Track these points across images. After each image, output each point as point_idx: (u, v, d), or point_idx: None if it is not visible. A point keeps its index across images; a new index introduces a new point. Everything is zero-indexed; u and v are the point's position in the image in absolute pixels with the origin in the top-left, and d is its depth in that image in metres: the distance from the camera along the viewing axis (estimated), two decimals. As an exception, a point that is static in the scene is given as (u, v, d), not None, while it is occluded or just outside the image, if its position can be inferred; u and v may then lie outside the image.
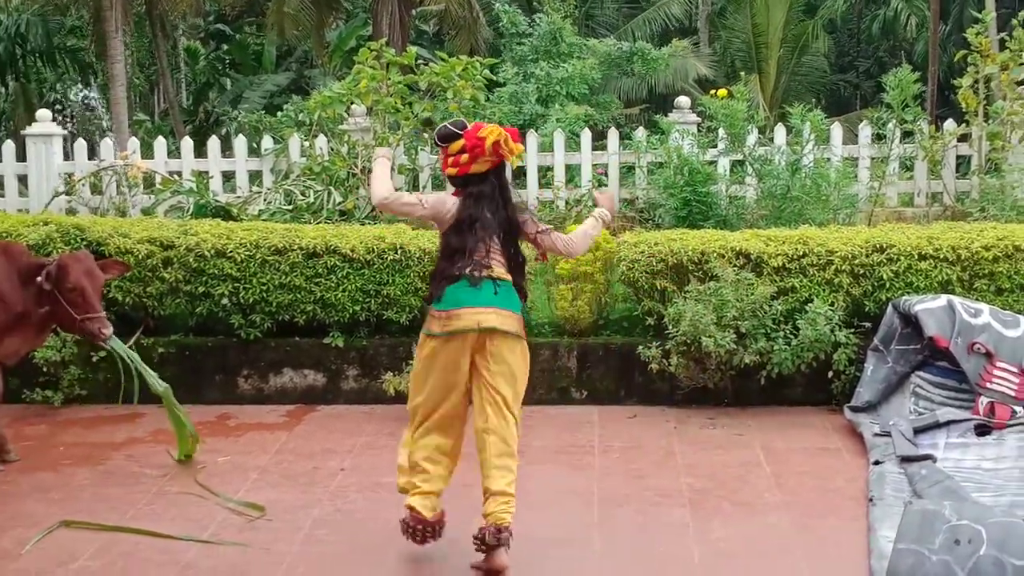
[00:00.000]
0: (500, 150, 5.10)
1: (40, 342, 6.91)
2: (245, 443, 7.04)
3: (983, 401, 6.60)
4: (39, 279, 6.37)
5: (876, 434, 6.66)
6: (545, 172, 10.93)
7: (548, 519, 5.69)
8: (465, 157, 5.14)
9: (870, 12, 30.97)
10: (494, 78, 13.06)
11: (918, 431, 6.51)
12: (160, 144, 11.28)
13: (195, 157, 11.08)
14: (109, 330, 6.48)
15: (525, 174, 10.80)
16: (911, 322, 7.03)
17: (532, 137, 10.93)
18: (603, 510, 5.79)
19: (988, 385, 6.65)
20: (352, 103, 10.49)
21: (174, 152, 11.39)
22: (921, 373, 7.04)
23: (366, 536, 5.47)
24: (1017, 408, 6.56)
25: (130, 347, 6.91)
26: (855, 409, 7.12)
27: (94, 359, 7.77)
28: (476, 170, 5.15)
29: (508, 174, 5.42)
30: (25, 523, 5.64)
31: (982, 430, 6.47)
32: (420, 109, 10.05)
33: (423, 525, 5.10)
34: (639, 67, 17.97)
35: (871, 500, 5.71)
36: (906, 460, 6.14)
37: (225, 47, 32.99)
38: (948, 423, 6.54)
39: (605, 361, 7.82)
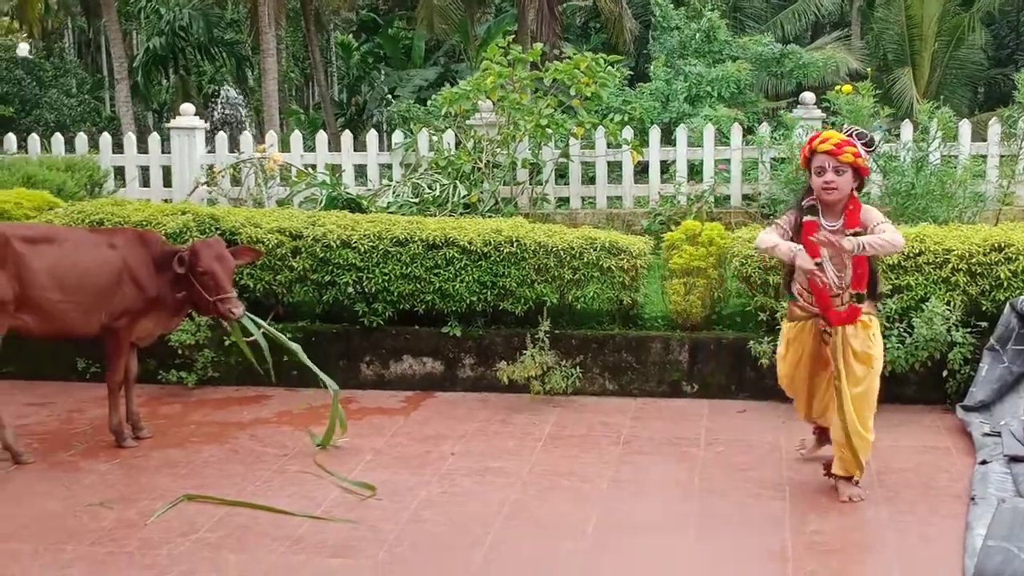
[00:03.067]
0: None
1: (174, 325, 7.30)
2: (364, 426, 7.31)
3: None
4: (174, 265, 6.75)
5: (986, 434, 6.61)
6: (667, 167, 11.01)
7: (646, 506, 5.83)
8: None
9: (1030, 4, 30.01)
10: (630, 73, 13.15)
11: None
12: (296, 138, 11.70)
13: (354, 150, 11.47)
14: (240, 309, 6.81)
15: (646, 169, 10.90)
16: None
17: (655, 131, 11.01)
18: (702, 500, 5.90)
19: None
20: (480, 99, 10.73)
21: (332, 145, 11.80)
22: None
23: (468, 517, 5.67)
24: None
25: (255, 340, 7.26)
26: (967, 408, 7.07)
27: (227, 343, 8.14)
28: None
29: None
30: (152, 496, 6.00)
31: None
32: (543, 105, 10.22)
33: None
34: (790, 69, 17.67)
35: (973, 499, 5.69)
36: (1014, 460, 6.09)
37: (376, 40, 33.67)
38: None
39: (717, 356, 7.89)
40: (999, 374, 7.04)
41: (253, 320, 7.17)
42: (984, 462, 6.21)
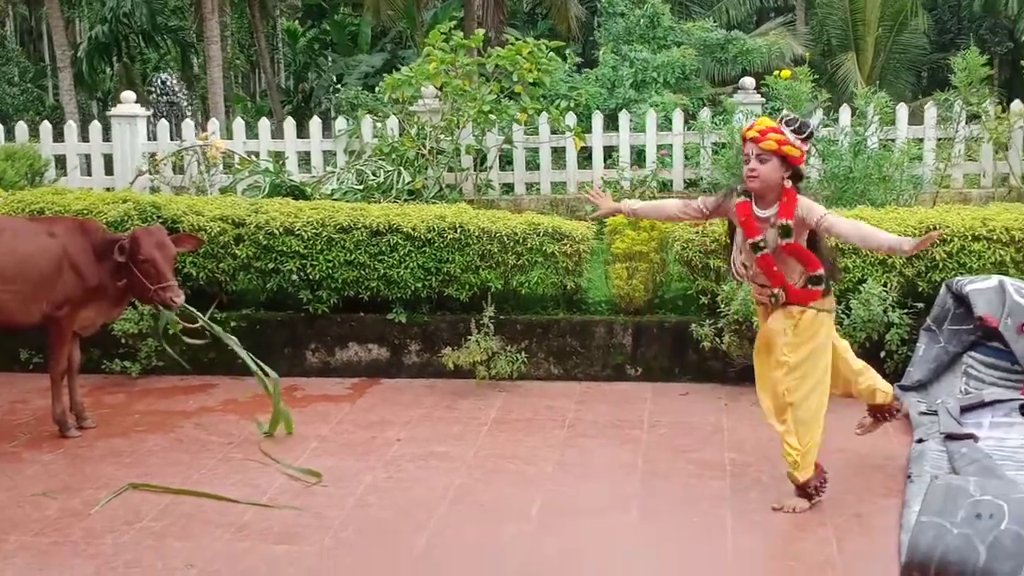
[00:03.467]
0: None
1: (116, 314, 7.27)
2: (309, 413, 7.33)
3: None
4: (114, 253, 6.72)
5: (922, 412, 6.74)
6: (610, 152, 11.08)
7: (590, 488, 5.90)
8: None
9: (971, -11, 30.35)
10: (580, 60, 13.19)
11: (964, 410, 6.58)
12: (239, 125, 11.65)
13: (297, 137, 11.43)
14: (181, 298, 6.79)
15: (591, 155, 10.96)
16: (964, 302, 7.09)
17: (597, 117, 11.07)
18: (644, 481, 5.98)
19: None
20: (423, 85, 10.73)
21: (275, 133, 11.75)
22: (973, 353, 7.09)
23: (413, 502, 5.71)
24: None
25: (203, 343, 7.29)
26: (905, 388, 7.19)
27: (170, 332, 8.11)
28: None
29: None
30: (96, 485, 5.99)
31: None
32: (486, 91, 10.25)
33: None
34: (734, 55, 17.70)
35: (909, 477, 5.81)
36: (949, 438, 6.22)
37: (323, 27, 33.50)
38: (994, 403, 6.60)
39: (659, 339, 7.98)
40: (935, 354, 7.18)
41: (191, 312, 7.18)
42: (920, 440, 6.33)
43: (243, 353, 7.17)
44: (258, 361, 7.16)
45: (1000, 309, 6.81)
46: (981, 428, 6.38)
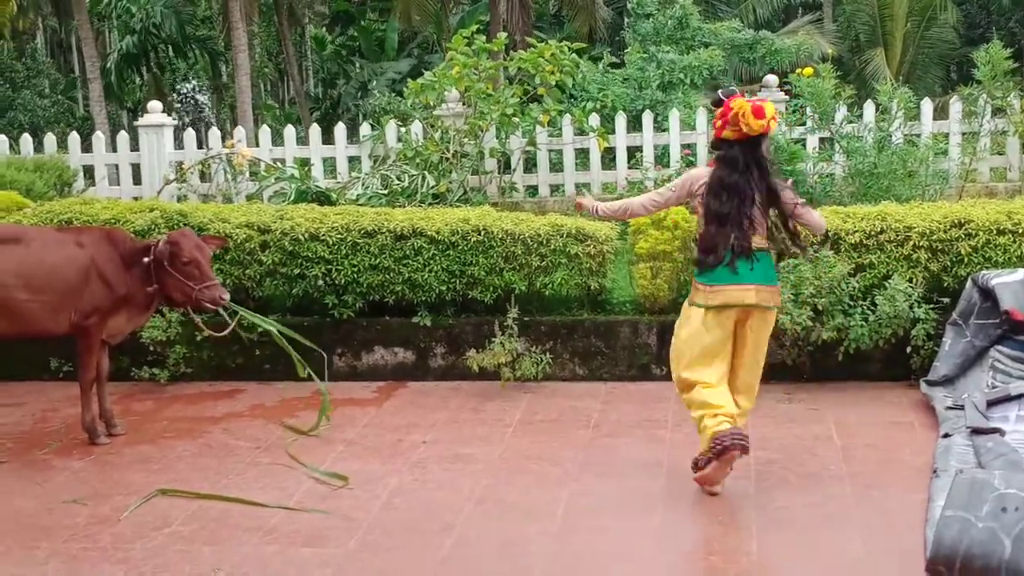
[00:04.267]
0: (739, 121, 5.52)
1: (144, 321, 7.32)
2: (336, 417, 7.35)
3: None
4: (146, 259, 6.77)
5: (948, 407, 6.72)
6: (634, 153, 11.08)
7: (614, 487, 5.91)
8: (719, 123, 5.65)
9: (1002, -18, 30.09)
10: (608, 58, 13.17)
11: (991, 404, 6.55)
12: (264, 133, 11.73)
13: (323, 144, 11.50)
14: (227, 295, 6.87)
15: (615, 155, 10.98)
16: (990, 296, 7.05)
17: (620, 118, 11.09)
18: (669, 481, 5.98)
19: None
20: (446, 89, 10.78)
21: (303, 140, 11.83)
22: (1000, 347, 7.05)
23: (439, 504, 5.74)
24: None
25: (231, 330, 7.33)
26: (931, 383, 7.17)
27: (198, 338, 8.20)
28: (726, 136, 5.63)
29: (765, 148, 5.80)
30: (125, 491, 6.04)
31: None
32: (509, 94, 10.28)
33: (736, 435, 5.55)
34: (762, 55, 17.54)
35: (935, 472, 5.79)
36: (975, 432, 6.19)
37: (350, 33, 33.59)
38: (1020, 396, 6.56)
39: (685, 338, 7.96)
40: (962, 348, 7.15)
41: (236, 308, 7.28)
42: (947, 435, 6.31)
43: (286, 343, 7.35)
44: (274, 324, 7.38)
45: None
46: (1008, 422, 6.35)
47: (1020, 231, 7.41)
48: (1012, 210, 7.60)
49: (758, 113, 5.52)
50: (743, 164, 5.63)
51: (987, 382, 6.93)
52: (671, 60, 14.02)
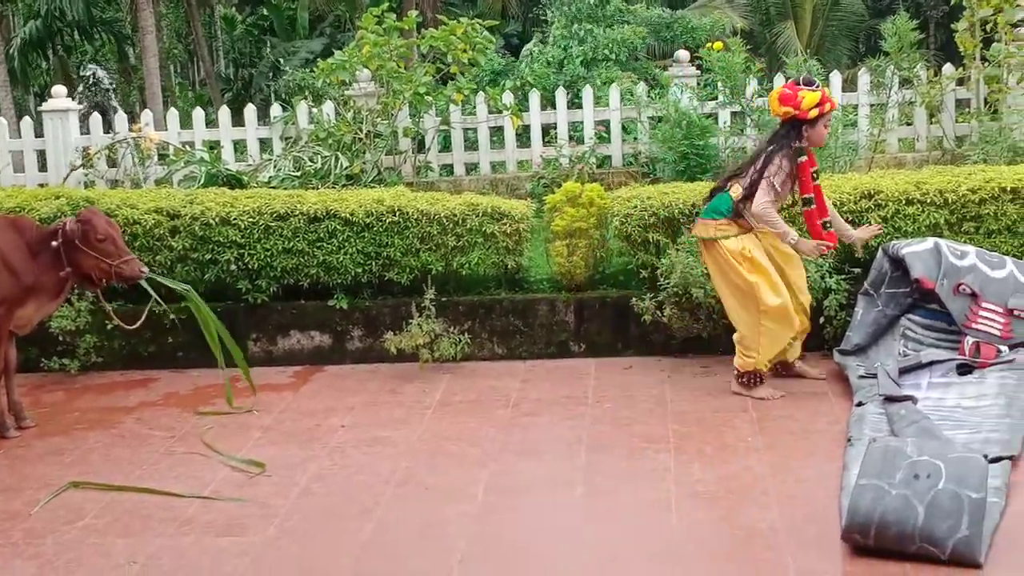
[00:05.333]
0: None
1: (54, 308, 7.14)
2: (252, 404, 7.27)
3: (968, 341, 6.75)
4: (54, 243, 6.61)
5: (861, 376, 6.81)
6: (548, 130, 11.07)
7: (534, 465, 5.91)
8: None
9: (909, -46, 30.43)
10: (497, 40, 13.08)
11: (903, 372, 6.66)
12: (172, 115, 11.52)
13: (233, 126, 11.31)
14: (146, 269, 6.75)
15: (530, 132, 10.95)
16: (900, 265, 7.16)
17: (534, 95, 11.06)
18: (589, 456, 5.99)
19: (974, 325, 6.79)
20: (357, 69, 10.65)
21: (213, 122, 11.62)
22: (911, 316, 7.17)
23: (358, 488, 5.69)
24: (1002, 348, 6.70)
25: (139, 324, 7.20)
26: (844, 352, 7.26)
27: (108, 327, 8.03)
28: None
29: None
30: (36, 485, 5.91)
31: (964, 370, 6.62)
32: (422, 73, 10.20)
33: None
34: (680, 33, 17.46)
35: (849, 440, 5.87)
36: (888, 400, 6.29)
37: (260, 12, 33.08)
38: (931, 363, 6.68)
39: (602, 315, 8.00)
40: (873, 318, 7.25)
41: (157, 280, 7.16)
42: (860, 404, 6.40)
43: (208, 312, 7.27)
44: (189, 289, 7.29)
45: (936, 271, 6.87)
46: (920, 389, 6.46)
47: (928, 201, 7.52)
48: (920, 180, 7.71)
49: (782, 100, 6.67)
50: (770, 137, 6.90)
51: (899, 350, 7.04)
52: (594, 36, 13.90)
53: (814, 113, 6.63)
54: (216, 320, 7.29)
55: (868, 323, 7.27)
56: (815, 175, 6.79)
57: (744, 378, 6.90)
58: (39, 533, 5.29)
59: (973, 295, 6.81)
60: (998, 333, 6.76)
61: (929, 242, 7.09)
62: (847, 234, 7.02)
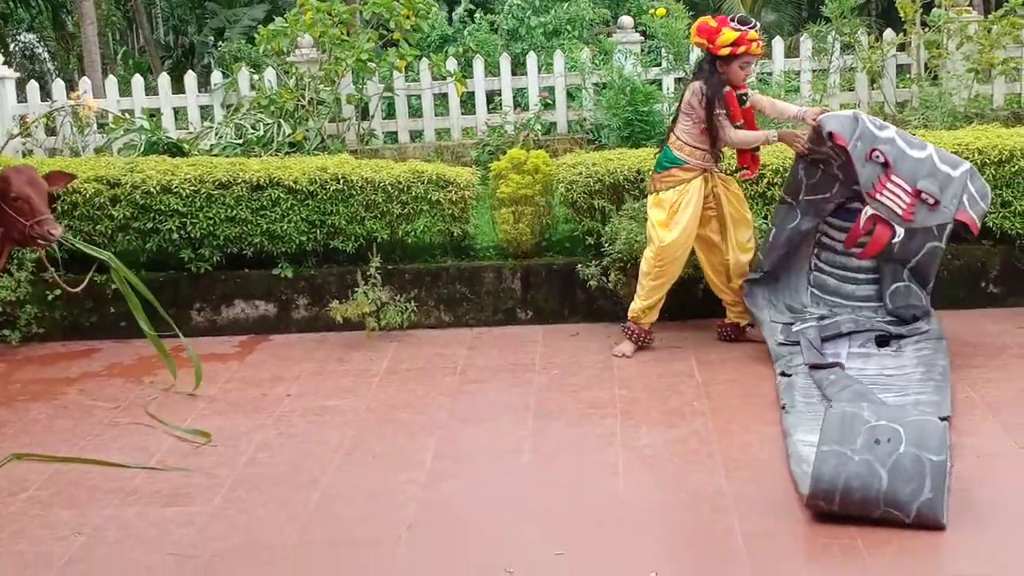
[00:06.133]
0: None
1: None
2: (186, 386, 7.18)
3: (867, 212, 6.58)
4: None
5: (781, 343, 6.73)
6: (492, 97, 11.02)
7: (481, 432, 5.93)
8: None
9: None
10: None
11: (824, 340, 6.64)
12: (111, 83, 11.35)
13: (173, 93, 11.15)
14: (58, 230, 6.48)
15: (474, 99, 10.90)
16: (818, 168, 6.96)
17: (478, 62, 11.01)
18: (536, 423, 6.01)
19: (878, 196, 6.55)
20: (299, 35, 10.54)
21: (153, 89, 11.44)
22: (830, 219, 7.05)
23: (305, 457, 5.67)
24: (897, 232, 6.50)
25: (83, 287, 7.06)
26: (753, 282, 7.08)
27: (50, 298, 7.95)
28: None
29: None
30: (-23, 458, 5.84)
31: (881, 340, 6.64)
32: (364, 40, 10.12)
33: None
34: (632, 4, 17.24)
35: (783, 408, 5.91)
36: (814, 367, 6.33)
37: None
38: (852, 333, 6.70)
39: (548, 281, 8.01)
40: (788, 236, 7.00)
41: (71, 242, 6.97)
42: (784, 374, 6.39)
43: (130, 276, 6.95)
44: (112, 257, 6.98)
45: (851, 133, 6.59)
46: (840, 358, 6.48)
47: (869, 166, 7.56)
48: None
49: (699, 31, 6.77)
50: (695, 72, 7.15)
51: (811, 263, 7.07)
52: (555, 10, 13.61)
53: (725, 51, 6.66)
54: (144, 288, 7.03)
55: (781, 245, 7.04)
56: (742, 99, 6.88)
57: (627, 328, 7.22)
58: (-19, 506, 5.24)
59: (885, 164, 6.55)
60: (900, 212, 6.51)
61: (850, 112, 6.90)
62: (791, 112, 7.01)
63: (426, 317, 8.02)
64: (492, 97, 11.09)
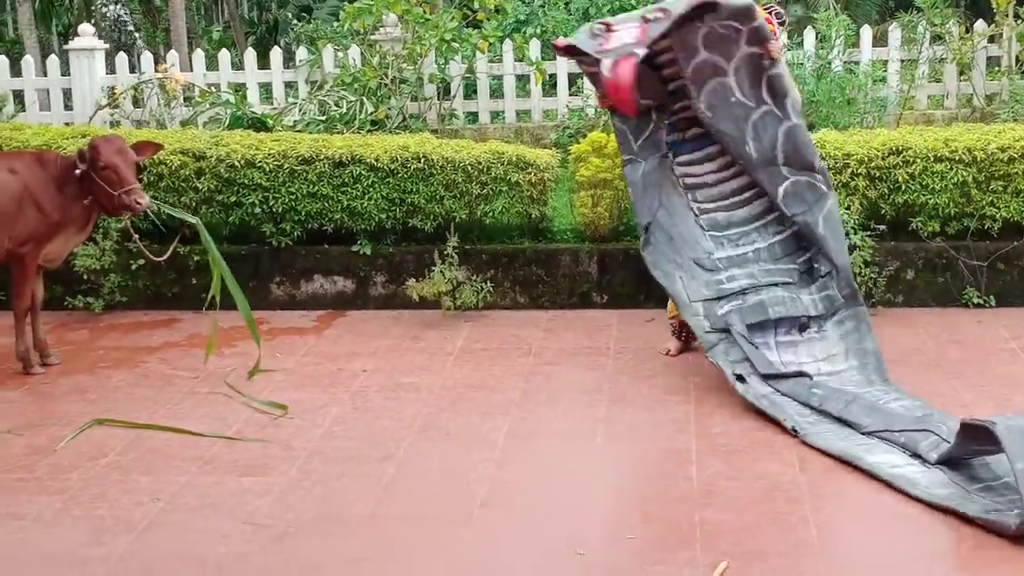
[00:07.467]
0: None
1: (82, 239, 7.12)
2: (275, 346, 7.31)
3: (605, 68, 6.04)
4: (77, 171, 6.60)
5: (708, 331, 6.31)
6: (574, 80, 10.99)
7: (555, 414, 5.95)
8: None
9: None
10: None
11: (751, 327, 6.25)
12: (198, 57, 11.50)
13: (259, 69, 11.27)
14: (145, 199, 6.63)
15: (555, 81, 10.88)
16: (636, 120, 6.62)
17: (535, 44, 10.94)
18: (610, 407, 6.01)
19: (607, 46, 6.12)
20: (383, 14, 10.58)
21: (239, 65, 11.57)
22: (678, 159, 6.73)
23: (379, 432, 5.73)
24: (638, 51, 5.98)
25: (166, 258, 7.20)
26: (646, 243, 6.65)
27: (133, 267, 8.09)
28: None
29: None
30: (61, 422, 5.97)
31: (802, 326, 6.34)
32: (448, 19, 10.13)
33: None
34: None
35: (794, 432, 5.52)
36: (771, 378, 5.98)
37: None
38: (779, 320, 6.31)
39: (625, 266, 7.98)
40: (641, 184, 6.68)
41: (159, 207, 7.14)
42: (740, 377, 6.00)
43: (208, 240, 7.03)
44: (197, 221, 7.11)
45: (588, 43, 6.25)
46: (770, 349, 6.21)
47: (957, 158, 7.47)
48: (949, 137, 7.65)
49: None
50: None
51: (690, 206, 6.67)
52: None
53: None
54: (221, 260, 7.10)
55: (642, 194, 6.66)
56: None
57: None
58: (64, 468, 5.35)
59: (606, 26, 6.19)
60: (632, 40, 6.01)
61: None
62: None
63: (501, 298, 8.04)
64: (574, 80, 11.06)
